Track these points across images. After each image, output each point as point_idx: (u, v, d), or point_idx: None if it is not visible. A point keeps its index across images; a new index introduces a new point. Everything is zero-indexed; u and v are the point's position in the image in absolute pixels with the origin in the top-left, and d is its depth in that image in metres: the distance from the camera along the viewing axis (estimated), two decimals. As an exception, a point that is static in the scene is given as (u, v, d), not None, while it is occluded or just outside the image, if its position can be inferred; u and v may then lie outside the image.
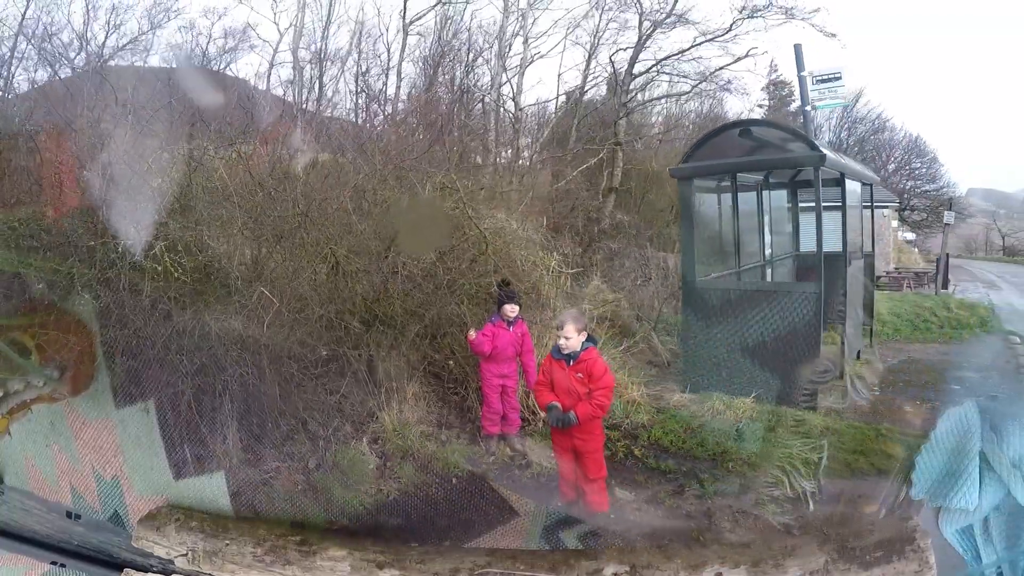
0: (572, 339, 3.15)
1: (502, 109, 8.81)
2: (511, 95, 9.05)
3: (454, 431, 4.22)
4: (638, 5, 9.17)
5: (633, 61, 9.35)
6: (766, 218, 6.98)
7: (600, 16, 9.37)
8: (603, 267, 7.08)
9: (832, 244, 6.41)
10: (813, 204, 6.47)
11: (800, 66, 6.57)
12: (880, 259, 10.91)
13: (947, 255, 12.12)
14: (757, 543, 2.13)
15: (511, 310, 3.95)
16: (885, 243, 11.54)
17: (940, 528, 2.00)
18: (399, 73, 8.79)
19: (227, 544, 2.39)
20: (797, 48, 7.37)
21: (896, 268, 11.84)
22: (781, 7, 9.23)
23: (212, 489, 2.47)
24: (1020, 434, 1.88)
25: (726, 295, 5.66)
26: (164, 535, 2.42)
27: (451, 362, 4.53)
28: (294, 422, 3.66)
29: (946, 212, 11.71)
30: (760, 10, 8.87)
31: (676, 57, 9.45)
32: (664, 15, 9.09)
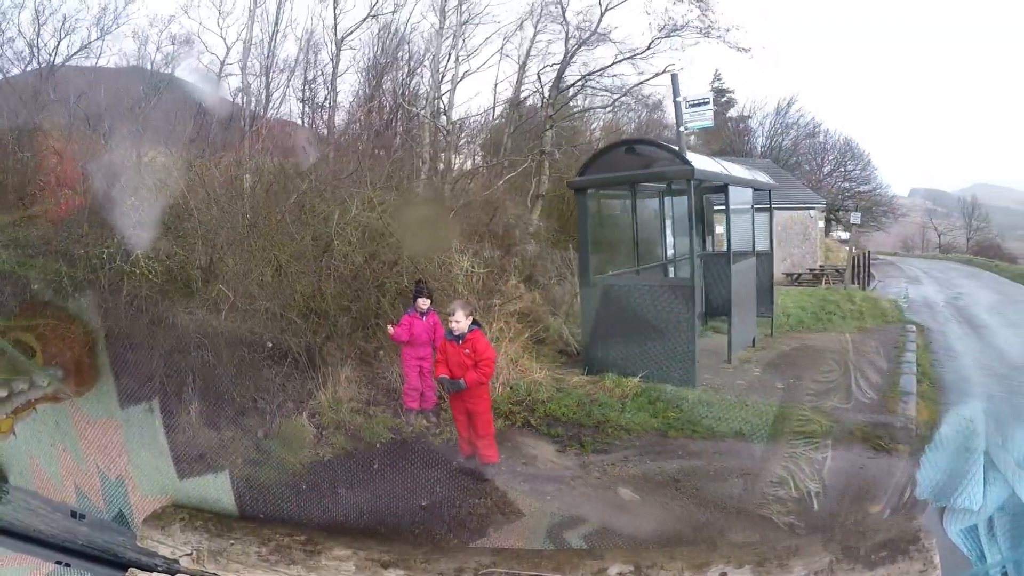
0: (461, 322, 3.97)
1: (435, 122, 9.15)
2: (443, 108, 9.36)
3: (380, 407, 5.01)
4: (564, 23, 9.62)
5: (559, 76, 9.91)
6: (667, 222, 7.69)
7: (535, 32, 9.86)
8: (521, 268, 7.82)
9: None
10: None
11: (676, 92, 7.33)
12: (808, 257, 12.39)
13: (867, 252, 12.86)
14: (761, 543, 2.12)
15: (423, 303, 4.77)
16: (812, 242, 12.34)
17: (945, 528, 2.00)
18: (334, 86, 9.17)
19: (232, 544, 2.40)
20: (674, 77, 8.06)
21: (821, 265, 12.21)
22: (696, 27, 9.76)
23: (217, 489, 2.48)
24: (1025, 434, 1.89)
25: (616, 290, 6.47)
26: (169, 535, 2.43)
27: (380, 351, 5.35)
28: (246, 399, 4.47)
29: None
30: (677, 29, 9.59)
31: (598, 74, 10.09)
32: (589, 33, 9.57)
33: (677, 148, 6.51)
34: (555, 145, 9.64)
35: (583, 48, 9.75)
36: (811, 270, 12.21)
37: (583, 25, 9.58)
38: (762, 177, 9.12)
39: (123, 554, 2.43)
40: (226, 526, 2.44)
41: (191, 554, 2.40)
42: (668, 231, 7.56)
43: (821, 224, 12.57)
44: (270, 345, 4.81)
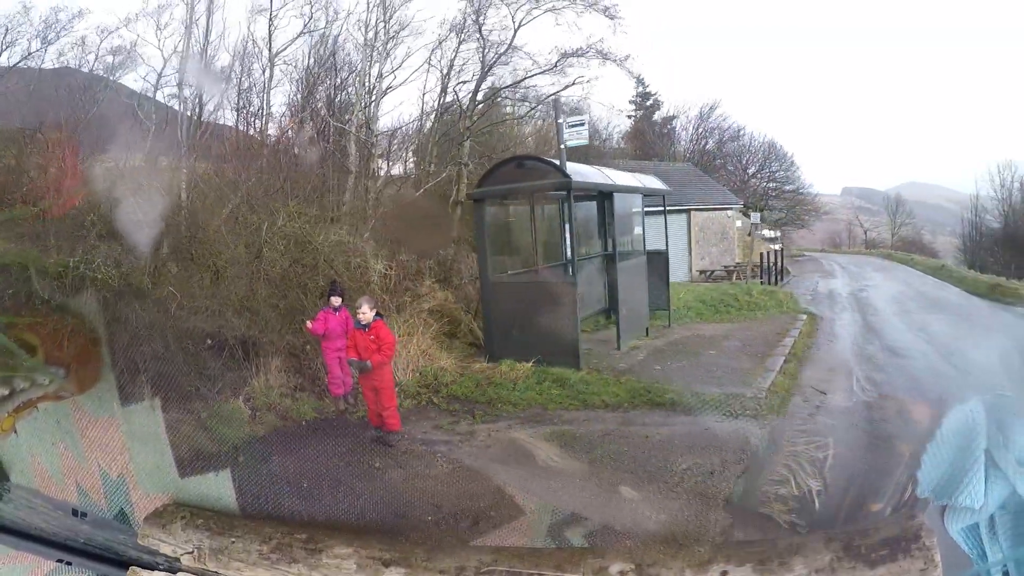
0: (367, 314, 4.94)
1: (359, 135, 9.76)
2: (369, 120, 9.96)
3: (306, 392, 5.88)
4: (480, 39, 10.37)
5: (476, 90, 10.66)
6: (567, 226, 8.34)
7: (457, 47, 10.54)
8: (436, 270, 8.87)
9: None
10: (655, 212, 9.40)
11: (557, 115, 8.26)
12: (726, 254, 13.04)
13: (780, 249, 13.57)
14: (762, 541, 2.12)
15: (335, 300, 5.51)
16: (729, 240, 13.04)
17: (945, 526, 2.00)
18: (267, 98, 9.78)
19: (233, 542, 2.40)
20: (556, 102, 9.45)
21: (737, 263, 12.81)
22: (597, 51, 10.79)
23: (218, 487, 2.48)
24: (1026, 432, 1.89)
25: (510, 288, 7.44)
26: (170, 533, 2.43)
27: (307, 345, 6.19)
28: (191, 385, 5.21)
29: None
30: (578, 55, 10.63)
31: (509, 88, 11.01)
32: (505, 47, 10.39)
33: (558, 163, 7.29)
34: (471, 155, 10.39)
35: (499, 62, 10.54)
36: (725, 267, 12.73)
37: (501, 39, 10.35)
38: (651, 183, 9.72)
39: (124, 552, 2.43)
40: (227, 524, 2.44)
41: (192, 552, 2.40)
42: (568, 234, 8.23)
43: (739, 223, 13.05)
44: (209, 342, 5.65)
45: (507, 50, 10.26)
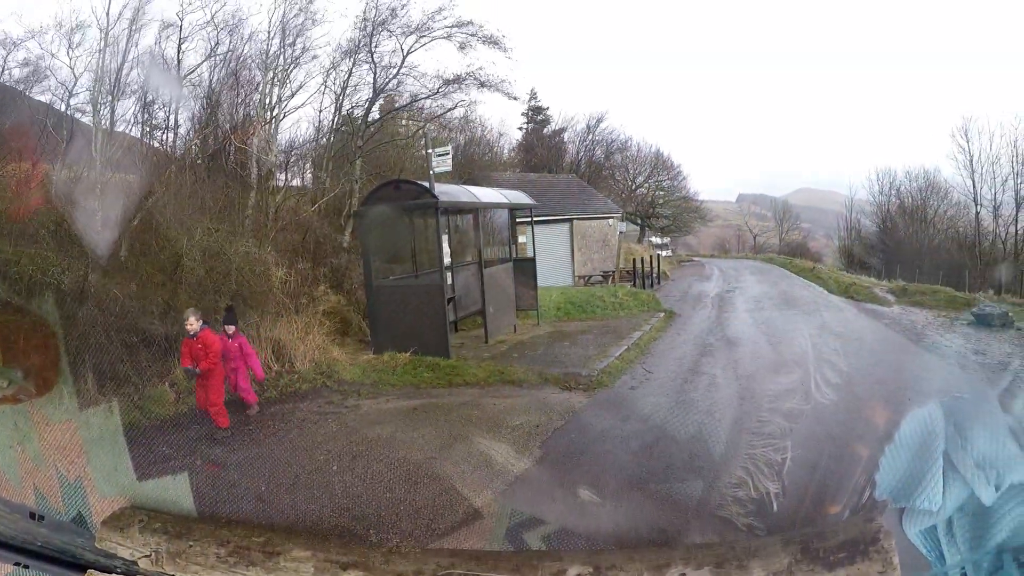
0: (193, 325, 5.49)
1: (258, 153, 10.51)
2: (266, 139, 10.68)
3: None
4: (372, 64, 11.25)
5: (367, 111, 11.55)
6: (445, 236, 9.37)
7: (350, 70, 11.36)
8: (331, 276, 10.03)
9: (519, 252, 11.03)
10: (541, 221, 11.33)
11: (427, 146, 9.74)
12: (608, 260, 13.91)
13: (658, 255, 14.36)
14: (721, 544, 2.10)
15: (229, 329, 6.11)
16: (611, 247, 13.91)
17: (904, 529, 1.98)
18: (175, 116, 10.47)
19: (191, 545, 2.37)
20: (425, 136, 10.81)
21: (616, 268, 13.60)
22: (476, 79, 11.72)
23: (176, 490, 2.45)
24: (984, 435, 1.86)
25: (390, 291, 8.87)
26: (128, 536, 2.40)
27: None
28: (126, 372, 6.07)
29: (618, 222, 13.70)
30: (458, 82, 11.66)
31: (399, 111, 11.94)
32: (395, 71, 11.36)
33: (428, 185, 8.75)
34: (364, 171, 11.39)
35: (388, 88, 11.45)
36: (603, 272, 13.60)
37: (392, 62, 11.31)
38: (517, 198, 10.93)
39: (82, 556, 2.41)
40: (185, 527, 2.41)
41: (150, 556, 2.38)
42: (443, 244, 9.26)
43: (621, 230, 14.13)
44: (136, 338, 6.56)
45: (396, 74, 11.19)
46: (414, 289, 9.00)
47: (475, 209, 9.71)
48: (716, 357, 8.08)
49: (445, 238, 9.30)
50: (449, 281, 9.12)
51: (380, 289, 8.70)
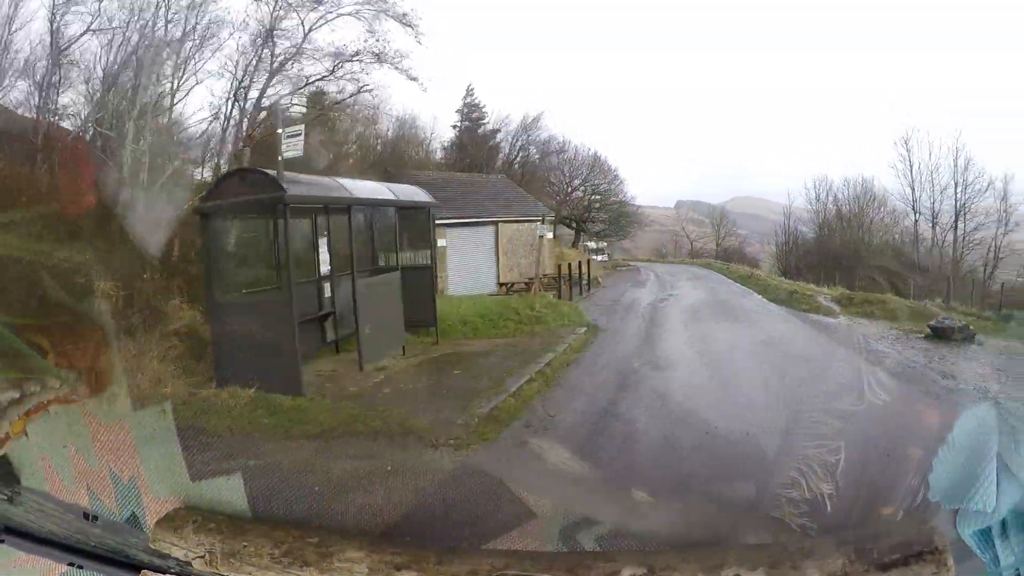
0: None
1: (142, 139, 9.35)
2: (162, 123, 9.70)
3: None
4: (270, 42, 10.06)
5: (260, 96, 10.40)
6: (324, 239, 7.68)
7: (249, 51, 10.15)
8: (187, 289, 8.05)
9: (421, 259, 9.23)
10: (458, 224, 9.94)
11: (278, 124, 7.95)
12: (535, 265, 12.83)
13: (589, 260, 13.90)
14: (775, 545, 2.13)
15: None
16: (540, 252, 12.92)
17: (958, 530, 2.01)
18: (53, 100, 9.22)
19: (245, 546, 2.40)
20: (276, 107, 9.35)
21: (544, 274, 12.67)
22: (373, 53, 10.49)
23: (230, 490, 2.48)
24: (1038, 436, 1.90)
25: (237, 308, 6.92)
26: (182, 537, 2.43)
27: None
28: None
29: (539, 225, 12.73)
30: (352, 57, 10.39)
31: (293, 94, 10.64)
32: (294, 51, 10.10)
33: (276, 175, 6.75)
34: (255, 162, 9.72)
35: (284, 69, 10.31)
36: (528, 279, 12.56)
37: (294, 42, 10.08)
38: (408, 196, 9.10)
39: (135, 556, 2.43)
40: (239, 528, 2.44)
41: (204, 556, 2.40)
42: (324, 248, 7.66)
43: (550, 234, 13.28)
44: None
45: (296, 55, 10.08)
46: (262, 308, 7.07)
47: (349, 206, 7.72)
48: (640, 391, 6.56)
49: (324, 242, 7.68)
50: (328, 294, 7.59)
51: (224, 307, 6.84)
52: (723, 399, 6.17)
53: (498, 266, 12.47)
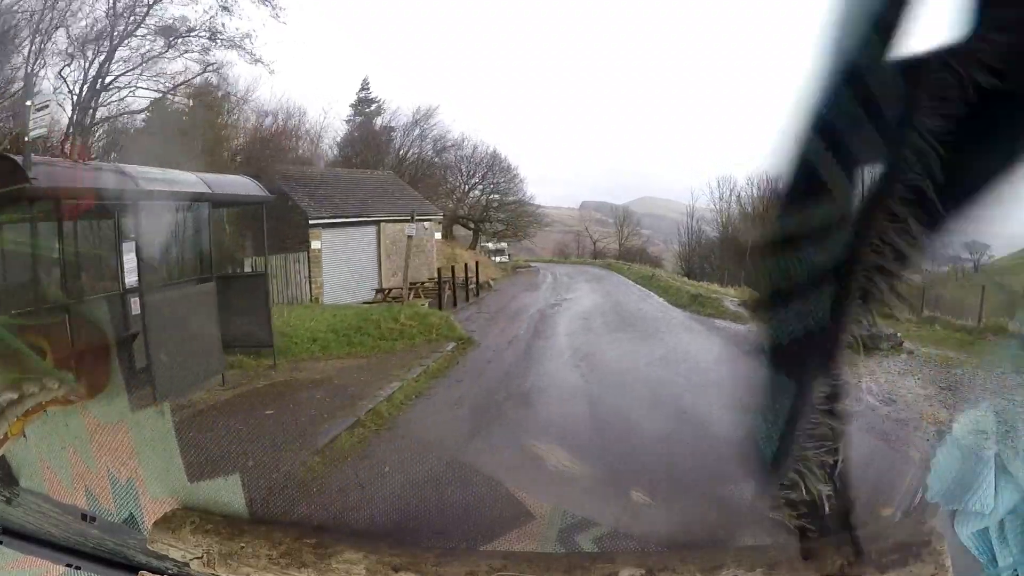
0: None
1: None
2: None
3: None
4: (111, 17, 9.56)
5: (98, 76, 9.72)
6: (127, 244, 6.40)
7: (113, 39, 9.72)
8: None
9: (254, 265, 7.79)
10: (336, 224, 8.86)
11: (28, 96, 7.02)
12: (423, 269, 11.57)
13: (476, 262, 12.71)
14: (773, 546, 2.13)
15: None
16: (427, 254, 11.92)
17: (956, 531, 2.01)
18: None
19: (242, 547, 2.40)
20: (28, 76, 8.36)
21: (406, 281, 11.25)
22: (207, 30, 9.99)
23: (227, 491, 2.48)
24: (1036, 437, 1.90)
25: None
26: (179, 538, 2.43)
27: None
28: None
29: (407, 225, 11.59)
30: (181, 37, 9.84)
31: (128, 74, 10.04)
32: (135, 26, 9.56)
33: (23, 161, 5.48)
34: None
35: (128, 44, 9.56)
36: (413, 284, 11.35)
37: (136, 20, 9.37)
38: (225, 188, 7.48)
39: (133, 557, 2.43)
40: (237, 529, 2.44)
41: (202, 557, 2.40)
42: (130, 254, 6.44)
43: (438, 235, 12.46)
44: None
45: (133, 29, 9.26)
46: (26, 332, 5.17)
47: (135, 200, 6.31)
48: (493, 439, 4.89)
49: (129, 246, 6.46)
50: (136, 310, 6.17)
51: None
52: (601, 451, 4.53)
53: (380, 270, 11.42)
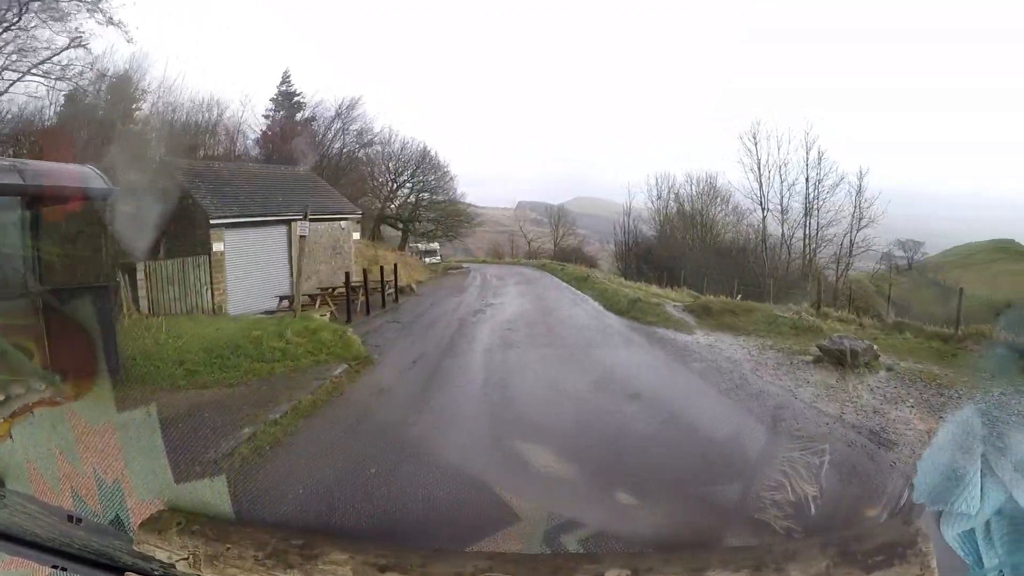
0: None
1: None
2: None
3: None
4: None
5: None
6: None
7: None
8: None
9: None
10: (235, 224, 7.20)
11: None
12: (340, 273, 10.08)
13: (395, 265, 11.50)
14: (759, 547, 2.12)
15: None
16: (344, 256, 10.39)
17: (942, 532, 2.00)
18: None
19: (228, 548, 2.39)
20: None
21: (297, 289, 9.51)
22: None
23: (213, 493, 2.47)
24: (1022, 439, 1.89)
25: None
26: (166, 539, 2.42)
27: None
28: None
29: (300, 224, 9.98)
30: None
31: None
32: None
33: None
34: None
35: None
36: (323, 290, 10.04)
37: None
38: (54, 180, 5.91)
39: (119, 558, 2.43)
40: (223, 531, 2.43)
41: (187, 558, 2.39)
42: None
43: (356, 235, 11.11)
44: None
45: None
46: None
47: None
48: (361, 515, 3.56)
49: None
50: None
51: None
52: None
53: (292, 274, 10.11)
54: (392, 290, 10.85)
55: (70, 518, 2.53)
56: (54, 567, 2.41)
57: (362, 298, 10.02)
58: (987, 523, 1.95)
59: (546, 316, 9.51)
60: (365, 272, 10.26)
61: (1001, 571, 1.94)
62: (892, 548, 2.03)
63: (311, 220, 9.93)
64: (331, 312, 9.59)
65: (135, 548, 2.42)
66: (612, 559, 2.14)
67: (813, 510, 2.18)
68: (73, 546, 2.47)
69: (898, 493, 2.07)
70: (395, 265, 11.33)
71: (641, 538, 2.34)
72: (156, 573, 2.39)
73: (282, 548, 2.38)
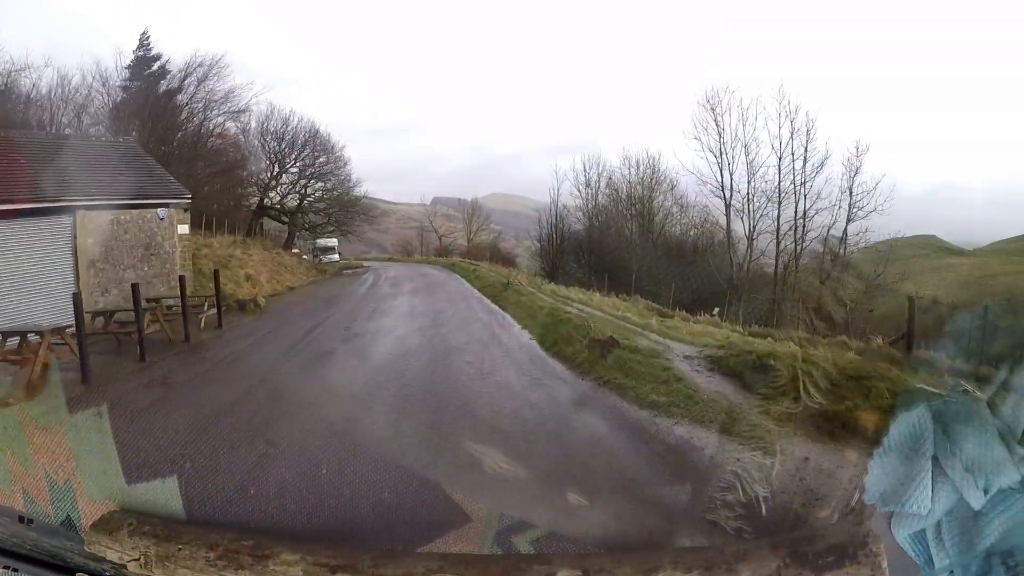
0: None
1: None
2: None
3: None
4: None
5: None
6: None
7: None
8: None
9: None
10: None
11: None
12: (159, 281, 7.78)
13: (215, 271, 8.88)
14: (710, 548, 2.10)
15: None
16: (165, 258, 8.03)
17: (892, 533, 1.97)
18: None
19: (180, 549, 2.37)
20: None
21: (158, 298, 7.33)
22: None
23: (165, 494, 2.44)
24: (972, 439, 1.85)
25: None
26: (117, 540, 2.40)
27: None
28: None
29: (160, 210, 7.95)
30: None
31: None
32: None
33: None
34: None
35: None
36: (148, 301, 6.95)
37: None
38: None
39: (71, 559, 2.41)
40: (174, 531, 2.41)
41: (139, 559, 2.37)
42: None
43: (183, 229, 8.28)
44: None
45: None
46: None
47: None
48: None
49: None
50: None
51: None
52: None
53: (79, 283, 7.15)
54: (212, 309, 7.56)
55: (21, 519, 2.50)
56: (5, 567, 2.39)
57: (156, 326, 6.84)
58: (938, 524, 1.91)
59: (444, 351, 5.77)
60: (182, 280, 7.22)
61: (951, 572, 1.92)
62: (843, 549, 2.02)
63: (97, 208, 7.12)
64: (164, 329, 6.92)
65: (86, 549, 2.40)
66: (563, 560, 2.12)
67: (764, 511, 2.16)
68: (24, 547, 2.44)
69: (849, 494, 2.04)
70: (215, 272, 8.15)
71: (592, 539, 2.32)
72: (107, 574, 2.37)
73: (233, 548, 2.36)
